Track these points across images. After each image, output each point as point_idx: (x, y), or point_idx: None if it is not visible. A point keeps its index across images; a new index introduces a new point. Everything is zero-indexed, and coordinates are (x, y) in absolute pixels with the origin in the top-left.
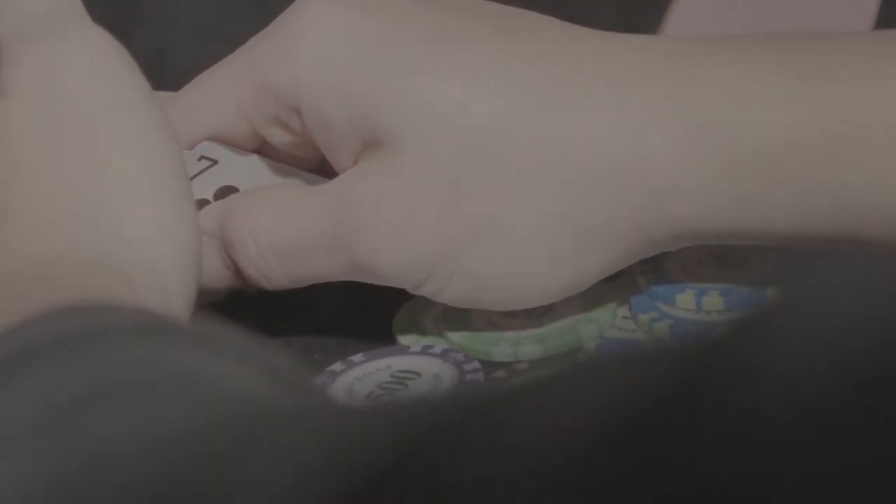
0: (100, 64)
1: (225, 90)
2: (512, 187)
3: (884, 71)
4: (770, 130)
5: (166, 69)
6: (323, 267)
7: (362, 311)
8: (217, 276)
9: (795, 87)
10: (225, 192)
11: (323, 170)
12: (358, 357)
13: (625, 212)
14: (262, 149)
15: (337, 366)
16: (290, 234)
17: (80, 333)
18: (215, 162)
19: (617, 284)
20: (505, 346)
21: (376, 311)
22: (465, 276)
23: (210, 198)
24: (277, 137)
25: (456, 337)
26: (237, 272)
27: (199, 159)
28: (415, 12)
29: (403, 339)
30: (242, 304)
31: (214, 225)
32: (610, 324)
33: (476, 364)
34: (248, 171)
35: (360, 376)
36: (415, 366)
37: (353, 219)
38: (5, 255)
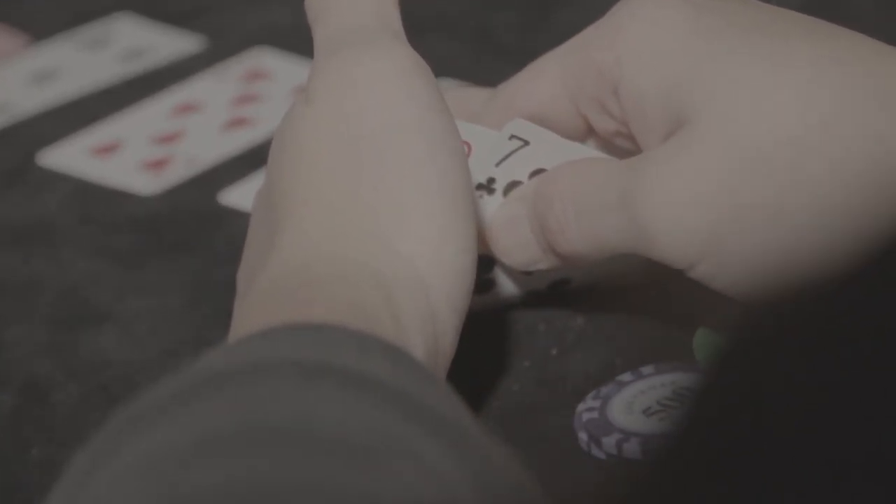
0: (398, 82)
1: (554, 67)
2: (796, 174)
3: None
4: None
5: None
6: (609, 228)
7: (664, 326)
8: (526, 245)
9: None
10: (537, 174)
11: None
12: (648, 369)
13: None
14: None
15: (626, 376)
16: (587, 189)
17: (243, 368)
18: (527, 142)
19: None
20: None
21: (681, 328)
22: (737, 259)
23: (524, 179)
24: (597, 120)
25: None
26: (543, 239)
27: (511, 138)
28: (741, 11)
29: (700, 356)
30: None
31: (529, 193)
32: None
33: None
34: (558, 152)
35: (645, 389)
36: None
37: (640, 180)
38: (280, 254)
